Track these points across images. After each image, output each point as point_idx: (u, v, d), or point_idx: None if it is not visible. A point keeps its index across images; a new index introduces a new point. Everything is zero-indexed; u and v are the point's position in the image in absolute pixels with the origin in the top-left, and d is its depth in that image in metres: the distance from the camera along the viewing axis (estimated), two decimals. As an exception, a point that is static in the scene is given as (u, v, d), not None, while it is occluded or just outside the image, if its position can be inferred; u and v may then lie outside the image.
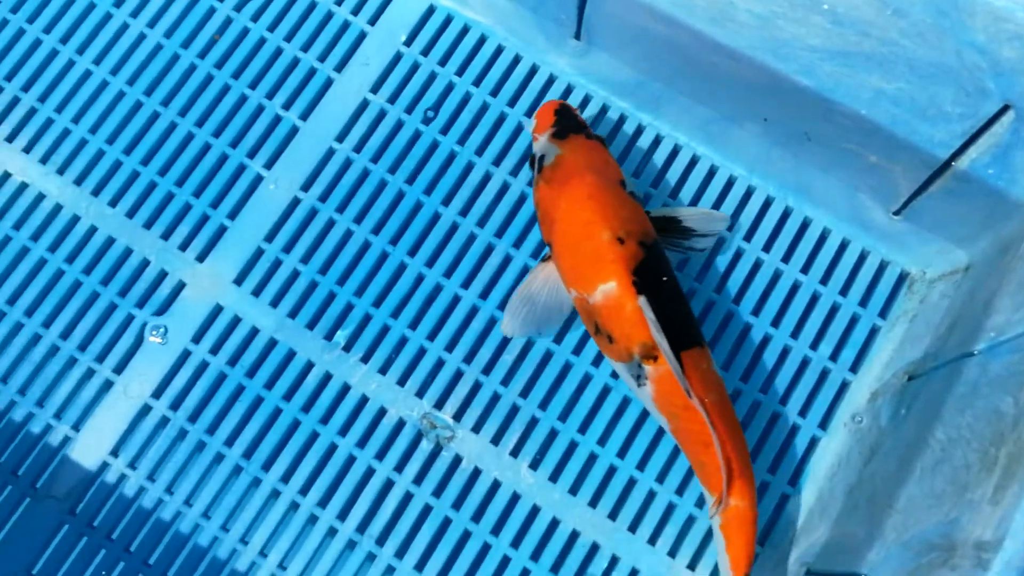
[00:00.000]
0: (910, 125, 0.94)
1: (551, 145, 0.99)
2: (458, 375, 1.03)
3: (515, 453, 1.01)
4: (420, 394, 1.03)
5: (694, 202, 1.08)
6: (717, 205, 1.08)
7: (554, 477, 1.01)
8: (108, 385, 1.03)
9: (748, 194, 1.08)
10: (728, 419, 0.92)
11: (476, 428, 1.02)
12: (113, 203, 1.07)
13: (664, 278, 0.94)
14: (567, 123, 1.00)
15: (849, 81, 0.92)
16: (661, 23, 0.98)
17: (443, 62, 1.12)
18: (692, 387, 0.90)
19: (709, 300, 1.05)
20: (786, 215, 1.08)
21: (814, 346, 1.04)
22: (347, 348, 1.04)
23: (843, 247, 1.07)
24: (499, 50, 1.12)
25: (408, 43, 1.12)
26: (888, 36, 0.88)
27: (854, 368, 1.04)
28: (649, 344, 0.91)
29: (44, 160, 1.08)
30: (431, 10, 1.13)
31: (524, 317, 1.00)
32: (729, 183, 1.09)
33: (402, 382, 1.03)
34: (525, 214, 1.07)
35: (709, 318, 1.05)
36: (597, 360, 1.03)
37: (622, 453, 1.01)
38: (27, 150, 1.08)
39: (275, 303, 1.05)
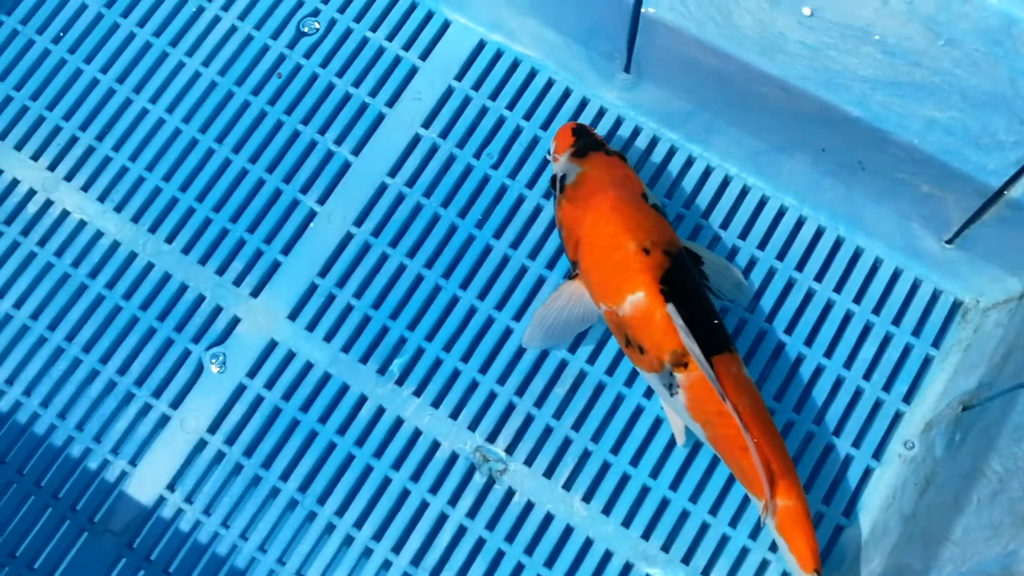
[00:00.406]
0: (962, 154, 0.94)
1: (572, 164, 1.00)
2: (510, 408, 1.03)
3: (568, 486, 1.01)
4: (473, 427, 1.03)
5: (744, 233, 1.08)
6: (768, 235, 1.08)
7: (607, 510, 1.01)
8: (165, 420, 1.04)
9: (799, 224, 1.08)
10: (763, 421, 0.92)
11: (528, 461, 1.02)
12: (169, 239, 1.09)
13: (691, 286, 0.95)
14: (586, 142, 1.01)
15: (901, 111, 0.92)
16: (710, 55, 0.99)
17: (494, 96, 1.12)
18: (724, 391, 0.90)
19: (761, 330, 1.05)
20: (838, 245, 1.07)
21: (867, 376, 1.04)
22: (400, 382, 1.04)
23: (895, 277, 1.06)
24: (549, 84, 1.13)
25: (459, 78, 1.13)
26: (941, 66, 0.87)
27: (907, 398, 1.03)
28: (679, 352, 0.91)
29: (102, 198, 1.10)
30: (481, 45, 1.14)
31: (547, 331, 1.00)
32: (780, 213, 1.08)
33: (455, 415, 1.03)
34: (575, 246, 1.07)
35: (760, 348, 1.04)
36: (649, 392, 1.03)
37: (674, 485, 1.01)
38: (85, 188, 1.11)
39: (329, 337, 1.06)
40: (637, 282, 0.93)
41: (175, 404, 1.05)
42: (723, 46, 0.96)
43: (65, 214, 1.10)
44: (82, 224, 1.10)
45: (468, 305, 1.06)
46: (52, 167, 1.11)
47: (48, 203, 1.10)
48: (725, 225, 1.08)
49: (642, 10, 0.99)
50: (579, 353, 1.04)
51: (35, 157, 1.12)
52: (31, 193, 1.11)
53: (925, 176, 0.98)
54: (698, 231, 1.08)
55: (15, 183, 1.11)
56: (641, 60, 1.07)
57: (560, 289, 1.00)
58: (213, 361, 1.05)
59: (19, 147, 1.12)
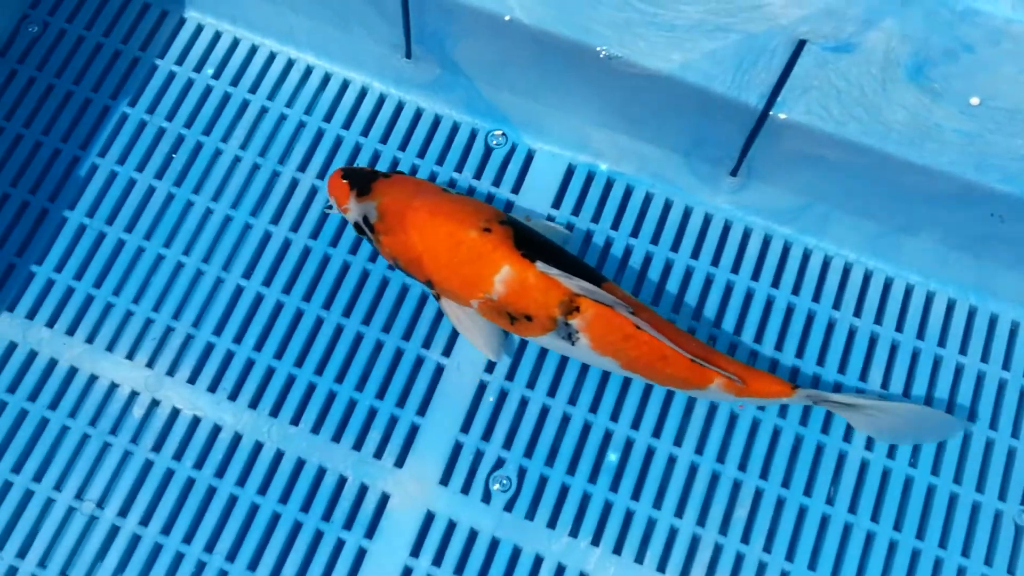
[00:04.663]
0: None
1: (364, 203, 0.99)
2: (695, 541, 0.98)
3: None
4: (662, 569, 0.98)
5: (879, 318, 1.06)
6: (902, 316, 1.06)
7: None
8: (331, 622, 0.96)
9: (928, 300, 1.07)
10: (667, 325, 0.96)
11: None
12: (295, 421, 1.01)
13: (539, 239, 0.97)
14: (361, 178, 1.00)
15: (1061, 181, 0.92)
16: (842, 150, 0.97)
17: (596, 219, 1.09)
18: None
19: (920, 414, 1.03)
20: (972, 315, 1.07)
21: (1043, 448, 1.03)
22: (594, 540, 0.98)
23: (1038, 339, 1.06)
24: (648, 198, 1.10)
25: (556, 205, 1.09)
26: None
27: (1085, 465, 1.02)
28: (566, 300, 0.93)
29: (212, 388, 1.02)
30: (571, 170, 1.11)
31: (486, 339, 1.00)
32: (907, 292, 1.08)
33: (639, 559, 0.98)
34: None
35: (924, 432, 1.02)
36: (809, 487, 1.00)
37: (877, 589, 0.98)
38: (191, 380, 1.02)
39: (487, 499, 0.99)
40: (497, 260, 0.94)
41: (339, 602, 0.96)
42: (863, 141, 0.95)
43: (176, 412, 1.01)
44: (196, 420, 1.01)
45: (623, 437, 1.01)
46: (151, 363, 1.02)
47: (154, 403, 1.01)
48: (858, 312, 1.07)
49: (771, 114, 0.97)
50: (772, 475, 1.00)
51: (130, 356, 1.02)
52: (133, 395, 1.01)
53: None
54: (832, 325, 1.06)
55: (114, 387, 1.01)
56: (753, 161, 1.05)
57: (449, 311, 1.00)
58: (498, 486, 1.00)
59: (111, 348, 1.02)
